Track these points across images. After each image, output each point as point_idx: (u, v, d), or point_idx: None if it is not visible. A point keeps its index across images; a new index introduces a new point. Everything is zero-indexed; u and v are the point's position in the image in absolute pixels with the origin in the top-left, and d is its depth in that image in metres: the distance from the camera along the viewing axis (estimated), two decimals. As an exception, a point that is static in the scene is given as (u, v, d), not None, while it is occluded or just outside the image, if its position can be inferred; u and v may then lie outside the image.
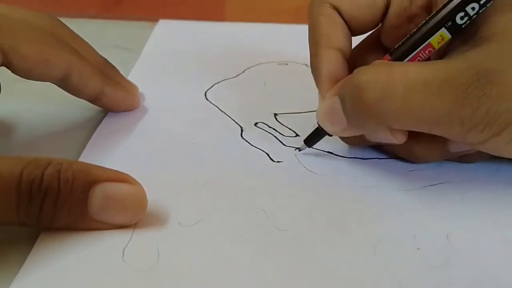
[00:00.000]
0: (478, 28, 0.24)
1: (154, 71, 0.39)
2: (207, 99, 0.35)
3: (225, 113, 0.33)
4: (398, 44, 0.26)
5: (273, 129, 0.32)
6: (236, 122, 0.32)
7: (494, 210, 0.25)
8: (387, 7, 0.27)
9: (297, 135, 0.31)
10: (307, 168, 0.28)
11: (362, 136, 0.27)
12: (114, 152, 0.29)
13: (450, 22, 0.25)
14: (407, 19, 0.27)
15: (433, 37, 0.25)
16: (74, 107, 0.33)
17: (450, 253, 0.22)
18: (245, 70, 0.40)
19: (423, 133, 0.24)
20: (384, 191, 0.26)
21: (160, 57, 0.42)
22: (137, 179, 0.23)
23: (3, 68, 0.26)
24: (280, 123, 0.32)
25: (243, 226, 0.23)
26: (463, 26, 0.25)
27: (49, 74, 0.28)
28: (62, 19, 0.31)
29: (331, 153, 0.29)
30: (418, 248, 0.23)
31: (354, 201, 0.25)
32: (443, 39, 0.25)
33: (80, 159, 0.27)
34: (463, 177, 0.28)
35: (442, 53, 0.26)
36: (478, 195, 0.26)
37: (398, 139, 0.25)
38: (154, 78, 0.38)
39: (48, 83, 0.28)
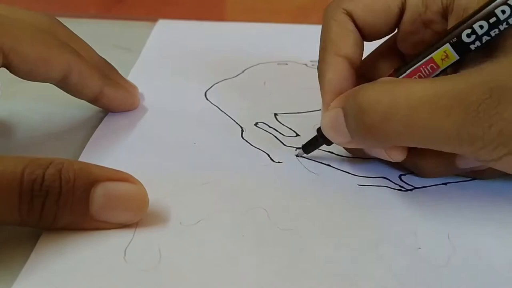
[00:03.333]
0: (499, 41, 0.23)
1: (154, 71, 0.39)
2: (207, 99, 0.35)
3: (225, 113, 0.33)
4: (405, 61, 0.26)
5: (273, 129, 0.32)
6: (236, 122, 0.32)
7: (495, 209, 0.25)
8: (402, 12, 0.27)
9: (297, 135, 0.31)
10: (307, 168, 0.28)
11: (363, 150, 0.27)
12: (114, 152, 0.29)
13: (455, 38, 0.23)
14: (423, 25, 0.26)
15: (435, 52, 0.24)
16: (74, 107, 0.33)
17: (451, 253, 0.22)
18: (245, 70, 0.40)
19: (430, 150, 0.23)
20: (385, 190, 0.26)
21: (160, 57, 0.42)
22: (137, 179, 0.23)
23: (3, 68, 0.26)
24: (280, 123, 0.32)
25: (244, 225, 0.23)
26: (471, 46, 0.23)
27: (48, 74, 0.28)
28: (62, 19, 0.31)
29: (332, 152, 0.29)
30: (419, 248, 0.23)
31: (354, 200, 0.25)
32: (447, 56, 0.24)
33: (80, 159, 0.27)
34: (463, 177, 0.28)
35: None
36: (479, 194, 0.26)
37: (394, 158, 0.25)
38: (154, 78, 0.38)
39: (48, 83, 0.28)
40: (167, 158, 0.28)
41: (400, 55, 0.28)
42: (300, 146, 0.29)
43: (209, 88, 0.36)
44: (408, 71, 0.25)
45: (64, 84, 0.29)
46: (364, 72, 0.28)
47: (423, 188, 0.27)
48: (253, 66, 0.41)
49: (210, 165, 0.28)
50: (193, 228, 0.23)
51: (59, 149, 0.29)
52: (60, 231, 0.22)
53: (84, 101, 0.31)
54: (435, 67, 0.24)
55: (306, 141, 0.28)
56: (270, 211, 0.24)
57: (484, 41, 0.23)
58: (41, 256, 0.21)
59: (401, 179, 0.27)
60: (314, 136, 0.28)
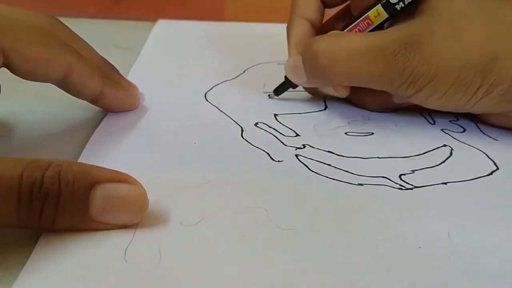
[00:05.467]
0: (418, 4, 0.30)
1: (153, 71, 0.39)
2: (207, 100, 0.35)
3: (225, 113, 0.33)
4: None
5: (274, 129, 0.32)
6: (236, 122, 0.32)
7: (495, 207, 0.25)
8: None
9: (297, 135, 0.31)
10: (307, 168, 0.28)
11: (317, 89, 0.34)
12: (114, 152, 0.28)
13: (384, 0, 0.30)
14: None
15: (370, 11, 0.31)
16: (74, 107, 0.33)
17: (452, 251, 0.22)
18: (245, 70, 0.40)
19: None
20: (385, 189, 0.26)
21: (159, 57, 0.42)
22: (137, 179, 0.23)
23: (3, 68, 0.26)
24: (280, 123, 0.32)
25: (244, 225, 0.23)
26: (397, 7, 0.30)
27: (49, 74, 0.28)
28: (62, 19, 0.31)
29: (332, 152, 0.29)
30: (420, 247, 0.23)
31: (354, 200, 0.25)
32: (379, 14, 0.30)
33: (80, 159, 0.27)
34: (463, 177, 0.28)
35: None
36: (479, 193, 0.26)
37: (340, 94, 0.33)
38: (154, 78, 0.38)
39: (48, 83, 0.28)
40: (167, 158, 0.28)
41: (352, 18, 0.33)
42: (269, 95, 0.35)
43: (209, 90, 0.36)
44: (351, 26, 0.32)
45: (64, 84, 0.29)
46: (325, 31, 0.33)
47: (423, 188, 0.27)
48: (253, 66, 0.41)
49: (210, 165, 0.28)
50: (194, 228, 0.23)
51: (59, 149, 0.29)
52: (60, 232, 0.22)
53: (84, 101, 0.31)
54: (370, 22, 0.31)
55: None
56: (270, 211, 0.24)
57: (406, 2, 0.30)
58: (41, 257, 0.21)
59: (401, 179, 0.27)
60: (282, 81, 0.35)
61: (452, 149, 0.30)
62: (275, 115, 0.33)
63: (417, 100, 0.30)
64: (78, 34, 0.31)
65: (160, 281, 0.20)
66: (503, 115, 0.31)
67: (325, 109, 0.35)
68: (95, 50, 0.32)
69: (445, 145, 0.31)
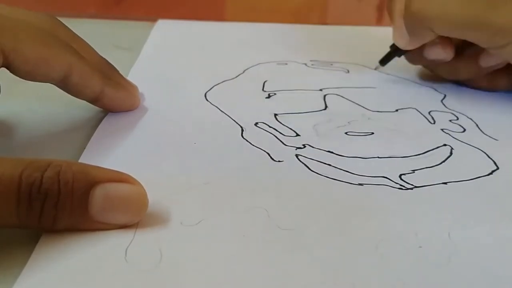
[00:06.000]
0: None
1: (153, 71, 0.39)
2: (207, 100, 0.35)
3: (225, 113, 0.33)
4: None
5: (274, 129, 0.32)
6: (236, 122, 0.32)
7: (495, 207, 0.25)
8: None
9: (297, 135, 0.31)
10: (307, 168, 0.28)
11: (422, 57, 0.36)
12: (114, 152, 0.28)
13: None
14: None
15: None
16: (74, 107, 0.33)
17: (452, 251, 0.22)
18: (245, 70, 0.40)
19: (461, 53, 0.34)
20: (385, 189, 0.26)
21: (159, 57, 0.42)
22: (137, 179, 0.23)
23: (3, 68, 0.26)
24: (280, 123, 0.33)
25: (245, 225, 0.23)
26: None
27: (49, 75, 0.28)
28: (62, 19, 0.31)
29: (332, 152, 0.29)
30: (420, 247, 0.23)
31: (355, 200, 0.25)
32: None
33: (81, 160, 0.27)
34: (463, 177, 0.28)
35: None
36: (479, 193, 0.26)
37: (447, 52, 0.35)
38: (154, 78, 0.38)
39: (48, 83, 0.28)
40: (167, 158, 0.28)
41: None
42: (375, 66, 0.40)
43: (209, 90, 0.36)
44: None
45: (64, 84, 0.29)
46: None
47: (424, 187, 0.27)
48: (253, 66, 0.41)
49: (210, 165, 0.28)
50: (194, 228, 0.23)
51: (59, 149, 0.29)
52: (60, 232, 0.22)
53: (84, 101, 0.31)
54: None
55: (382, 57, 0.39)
56: (270, 211, 0.24)
57: None
58: (41, 257, 0.21)
59: (401, 179, 0.27)
60: (388, 51, 0.39)
61: (452, 148, 0.30)
62: (275, 115, 0.33)
63: (508, 53, 0.32)
64: (78, 34, 0.31)
65: (160, 281, 0.20)
66: None
67: (325, 109, 0.35)
68: (95, 50, 0.32)
69: (445, 145, 0.31)
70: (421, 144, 0.31)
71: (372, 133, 0.32)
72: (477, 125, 0.33)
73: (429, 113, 0.34)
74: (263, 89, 0.37)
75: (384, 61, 0.39)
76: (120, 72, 0.33)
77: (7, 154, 0.23)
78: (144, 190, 0.22)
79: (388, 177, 0.27)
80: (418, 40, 0.35)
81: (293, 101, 0.35)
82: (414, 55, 0.38)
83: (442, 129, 0.32)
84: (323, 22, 0.58)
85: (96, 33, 0.38)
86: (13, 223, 0.21)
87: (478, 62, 0.35)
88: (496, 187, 0.27)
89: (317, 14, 0.60)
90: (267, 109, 0.34)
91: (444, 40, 0.35)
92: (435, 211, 0.25)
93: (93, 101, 0.31)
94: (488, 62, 0.35)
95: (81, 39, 0.31)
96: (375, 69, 0.40)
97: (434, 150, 0.30)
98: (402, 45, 0.36)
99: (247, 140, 0.30)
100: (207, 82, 0.37)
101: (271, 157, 0.29)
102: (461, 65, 0.36)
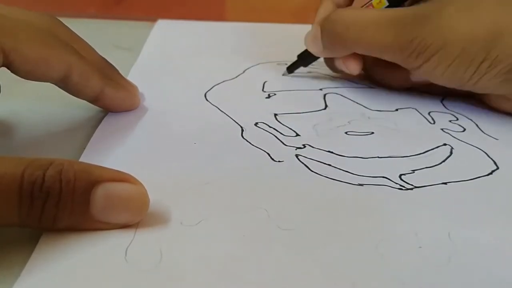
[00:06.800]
0: None
1: (153, 71, 0.39)
2: (207, 100, 0.35)
3: (225, 113, 0.33)
4: None
5: (274, 129, 0.32)
6: (236, 122, 0.32)
7: (495, 207, 0.25)
8: None
9: (297, 134, 0.31)
10: (307, 168, 0.28)
11: (333, 63, 0.37)
12: (114, 152, 0.29)
13: None
14: None
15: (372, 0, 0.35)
16: (74, 107, 0.33)
17: (452, 251, 0.22)
18: (245, 70, 0.40)
19: (391, 63, 0.33)
20: (385, 189, 0.26)
21: (159, 57, 0.42)
22: (138, 179, 0.23)
23: (3, 68, 0.26)
24: (280, 123, 0.33)
25: (245, 225, 0.23)
26: None
27: (49, 74, 0.28)
28: (62, 19, 0.31)
29: (332, 152, 0.29)
30: (420, 247, 0.23)
31: (355, 200, 0.25)
32: (380, 2, 0.34)
33: (81, 159, 0.27)
34: (463, 177, 0.28)
35: None
36: (479, 193, 0.26)
37: (351, 70, 0.36)
38: (154, 78, 0.38)
39: (48, 83, 0.28)
40: (167, 158, 0.28)
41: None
42: (285, 71, 0.39)
43: (209, 90, 0.36)
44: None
45: (64, 84, 0.29)
46: None
47: (423, 188, 0.27)
48: (253, 66, 0.41)
49: (210, 165, 0.28)
50: (194, 228, 0.23)
51: (59, 149, 0.29)
52: (60, 232, 0.22)
53: (84, 101, 0.31)
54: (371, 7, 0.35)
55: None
56: (270, 211, 0.24)
57: None
58: (42, 257, 0.21)
59: (401, 179, 0.27)
60: (296, 60, 0.38)
61: (452, 148, 0.30)
62: (275, 115, 0.33)
63: (425, 72, 0.32)
64: (78, 34, 0.31)
65: (160, 281, 0.20)
66: (507, 98, 0.32)
67: (325, 108, 0.35)
68: (95, 50, 0.32)
69: (445, 144, 0.31)
70: (421, 144, 0.31)
71: (372, 132, 0.32)
72: (477, 125, 0.33)
73: (429, 113, 0.34)
74: (263, 89, 0.37)
75: (291, 68, 0.39)
76: (120, 72, 0.33)
77: (7, 154, 0.23)
78: (145, 190, 0.22)
79: (388, 177, 0.27)
80: (332, 54, 0.36)
81: (293, 101, 0.35)
82: (327, 62, 0.38)
83: (442, 129, 0.32)
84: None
85: (96, 33, 0.38)
86: (14, 222, 0.21)
87: (408, 76, 0.35)
88: (496, 187, 0.27)
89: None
90: (267, 109, 0.34)
91: (356, 55, 0.35)
92: (435, 211, 0.25)
93: (93, 101, 0.31)
94: (417, 78, 0.35)
95: (81, 39, 0.31)
96: (283, 75, 0.39)
97: (434, 149, 0.30)
98: (314, 52, 0.36)
99: (247, 140, 0.30)
100: (207, 82, 0.37)
101: (271, 157, 0.29)
102: (388, 76, 0.37)
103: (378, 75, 0.37)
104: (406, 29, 0.31)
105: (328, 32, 0.34)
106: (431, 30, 0.31)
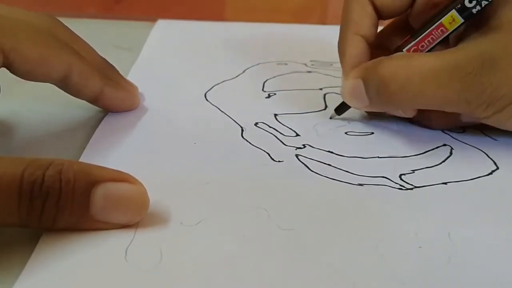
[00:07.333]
0: (489, 18, 0.28)
1: (153, 71, 0.39)
2: (207, 100, 0.35)
3: (225, 113, 0.33)
4: (418, 28, 0.30)
5: (274, 129, 0.32)
6: (236, 122, 0.32)
7: (495, 207, 0.25)
8: None
9: (297, 135, 0.31)
10: (307, 168, 0.28)
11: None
12: (114, 152, 0.29)
13: (459, 5, 0.29)
14: (433, 5, 0.31)
15: (444, 17, 0.29)
16: (74, 107, 0.33)
17: (452, 251, 0.22)
18: (245, 70, 0.40)
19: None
20: (385, 189, 0.26)
21: (159, 57, 0.42)
22: (138, 179, 0.23)
23: (3, 68, 0.26)
24: (280, 123, 0.33)
25: (245, 225, 0.23)
26: (473, 10, 0.28)
27: (49, 74, 0.28)
28: (62, 19, 0.31)
29: (332, 152, 0.29)
30: (420, 247, 0.23)
31: (355, 200, 0.26)
32: (454, 20, 0.29)
33: (81, 159, 0.27)
34: (463, 177, 0.28)
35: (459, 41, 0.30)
36: (479, 193, 0.26)
37: (407, 115, 0.31)
38: (154, 78, 0.38)
39: (48, 83, 0.28)
40: (167, 158, 0.28)
41: (410, 29, 0.32)
42: (331, 115, 0.33)
43: (209, 90, 0.36)
44: (421, 35, 0.30)
45: (64, 84, 0.29)
46: (378, 43, 0.32)
47: (424, 187, 0.27)
48: (253, 66, 0.41)
49: (210, 165, 0.28)
50: (194, 228, 0.23)
51: (59, 149, 0.29)
52: (60, 232, 0.22)
53: (84, 101, 0.31)
54: (444, 30, 0.29)
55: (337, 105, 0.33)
56: (270, 211, 0.24)
57: (483, 5, 0.28)
58: (41, 257, 0.21)
59: (401, 179, 0.27)
60: (343, 101, 0.32)
61: (452, 148, 0.30)
62: (275, 115, 0.33)
63: (494, 121, 0.29)
64: (78, 34, 0.31)
65: (160, 281, 0.20)
66: None
67: (325, 109, 0.35)
68: (95, 50, 0.32)
69: (445, 145, 0.31)
70: (421, 144, 0.31)
71: (372, 132, 0.32)
72: (477, 125, 0.33)
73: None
74: (263, 89, 0.37)
75: (340, 110, 0.33)
76: (120, 72, 0.33)
77: (7, 154, 0.23)
78: (145, 190, 0.22)
79: (388, 177, 0.27)
80: (381, 110, 0.31)
81: (293, 101, 0.35)
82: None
83: (441, 129, 0.32)
84: (323, 22, 0.58)
85: (96, 33, 0.38)
86: (14, 222, 0.21)
87: (459, 117, 0.31)
88: (496, 187, 0.27)
89: (317, 14, 0.60)
90: (267, 109, 0.34)
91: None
92: (435, 211, 0.25)
93: (93, 101, 0.31)
94: (471, 119, 0.30)
95: (81, 39, 0.31)
96: (330, 118, 0.33)
97: (434, 150, 0.30)
98: (357, 107, 0.31)
99: (247, 140, 0.30)
100: (207, 82, 0.37)
101: (271, 157, 0.29)
102: (435, 119, 0.32)
103: (425, 121, 0.32)
104: (474, 80, 0.27)
105: (377, 91, 0.29)
106: (504, 78, 0.27)
